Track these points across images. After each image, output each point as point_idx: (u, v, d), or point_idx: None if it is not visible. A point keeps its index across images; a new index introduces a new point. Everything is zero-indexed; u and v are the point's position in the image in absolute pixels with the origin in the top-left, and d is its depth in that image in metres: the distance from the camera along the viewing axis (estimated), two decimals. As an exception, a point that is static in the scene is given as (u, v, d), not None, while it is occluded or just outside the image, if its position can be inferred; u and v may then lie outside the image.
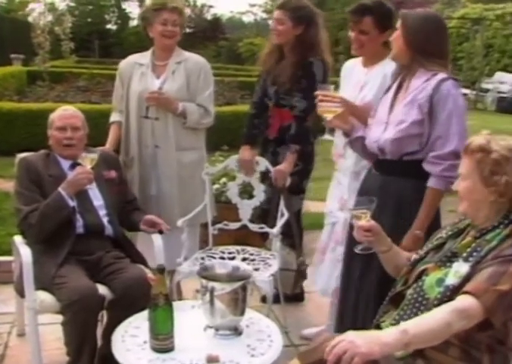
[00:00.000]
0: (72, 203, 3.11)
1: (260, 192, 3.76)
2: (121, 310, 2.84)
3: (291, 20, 3.66)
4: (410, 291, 2.22)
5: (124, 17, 35.04)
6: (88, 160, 3.11)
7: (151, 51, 3.85)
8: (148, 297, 2.91)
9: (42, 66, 14.23)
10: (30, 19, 15.92)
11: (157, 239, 3.31)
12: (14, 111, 8.18)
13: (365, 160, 3.01)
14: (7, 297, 3.97)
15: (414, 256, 2.36)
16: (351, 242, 2.65)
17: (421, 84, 2.62)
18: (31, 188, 3.18)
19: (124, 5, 35.34)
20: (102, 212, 3.28)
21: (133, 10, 37.20)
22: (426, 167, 2.61)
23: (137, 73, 3.80)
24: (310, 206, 4.83)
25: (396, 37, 2.70)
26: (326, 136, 3.41)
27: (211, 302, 2.41)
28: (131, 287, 2.93)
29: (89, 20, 31.40)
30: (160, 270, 2.33)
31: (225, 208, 4.35)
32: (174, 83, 3.73)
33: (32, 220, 3.07)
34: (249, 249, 3.75)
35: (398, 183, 2.70)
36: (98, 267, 3.12)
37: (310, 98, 3.08)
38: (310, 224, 4.56)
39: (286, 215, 3.58)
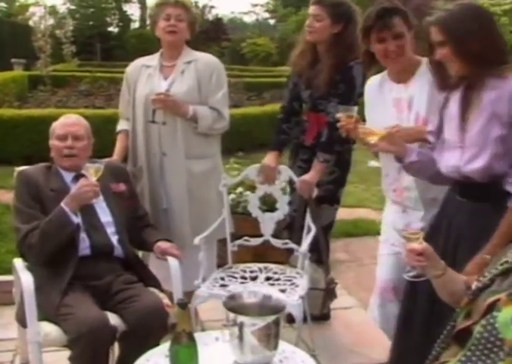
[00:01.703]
0: (76, 220, 2.79)
1: (283, 205, 3.43)
2: (135, 343, 2.57)
3: (329, 17, 3.36)
4: (478, 328, 1.88)
5: (125, 19, 34.79)
6: (93, 170, 2.79)
7: (160, 53, 3.55)
8: (165, 327, 2.65)
9: (44, 70, 14.01)
10: (31, 23, 15.76)
11: (173, 261, 2.98)
12: (15, 118, 7.86)
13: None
14: (8, 321, 3.62)
15: (476, 284, 2.03)
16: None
17: (495, 94, 2.25)
18: (31, 204, 2.86)
19: (125, 7, 35.14)
20: (111, 230, 2.96)
21: (134, 12, 37.09)
22: (508, 187, 2.26)
23: (144, 75, 3.49)
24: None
25: (445, 54, 2.29)
26: (372, 163, 2.98)
27: (240, 337, 2.10)
28: (146, 316, 2.62)
29: (91, 23, 31.11)
30: (182, 305, 2.01)
31: (242, 219, 4.05)
32: (183, 85, 3.41)
33: (33, 239, 2.76)
34: (272, 266, 3.42)
35: (490, 213, 2.31)
36: (108, 294, 2.80)
37: (348, 104, 2.91)
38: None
39: (313, 231, 3.25)
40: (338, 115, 2.56)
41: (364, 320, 3.74)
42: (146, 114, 3.41)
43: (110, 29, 33.50)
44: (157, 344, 2.48)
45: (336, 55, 3.37)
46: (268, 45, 27.06)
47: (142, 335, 2.60)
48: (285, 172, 3.44)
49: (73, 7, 32.44)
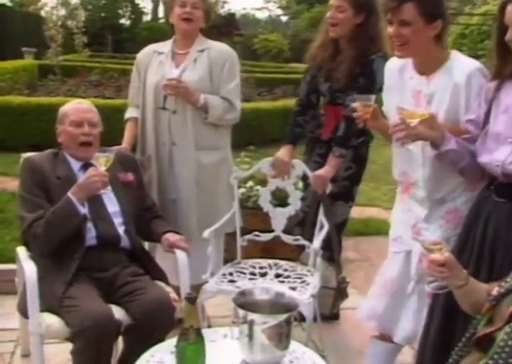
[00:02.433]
0: (83, 210, 2.69)
1: (296, 200, 3.33)
2: (141, 337, 2.49)
3: (352, 8, 3.28)
4: (502, 336, 1.78)
5: (138, 12, 34.60)
6: (103, 160, 2.70)
7: (173, 39, 3.44)
8: (172, 322, 2.56)
9: (54, 59, 13.93)
10: (43, 13, 15.69)
11: (181, 254, 2.89)
12: (24, 105, 7.77)
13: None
14: (10, 310, 3.52)
15: (497, 289, 1.93)
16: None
17: None
18: (36, 192, 2.77)
19: (137, 0, 34.92)
20: (118, 221, 2.86)
21: (147, 5, 36.93)
22: None
23: (155, 62, 3.39)
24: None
25: None
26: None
27: (250, 335, 2.01)
28: (153, 310, 2.53)
29: (103, 14, 30.98)
30: (191, 300, 1.91)
31: (251, 214, 3.95)
32: (195, 73, 3.30)
33: (38, 229, 2.66)
34: (282, 263, 3.32)
35: None
36: (114, 286, 2.71)
37: None
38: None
39: (326, 227, 3.15)
40: (355, 105, 2.46)
41: None
42: (156, 101, 3.31)
43: (122, 21, 33.35)
44: (162, 339, 2.39)
45: (358, 47, 3.28)
46: (280, 42, 26.91)
47: (148, 330, 2.51)
48: (299, 166, 3.34)
49: (85, -3, 32.29)
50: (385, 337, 2.86)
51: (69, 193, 2.67)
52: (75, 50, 18.12)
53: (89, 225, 2.76)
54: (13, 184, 5.47)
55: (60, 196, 2.71)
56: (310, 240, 3.28)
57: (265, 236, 3.37)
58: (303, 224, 3.50)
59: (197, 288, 3.05)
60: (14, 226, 4.66)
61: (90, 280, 2.67)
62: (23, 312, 2.68)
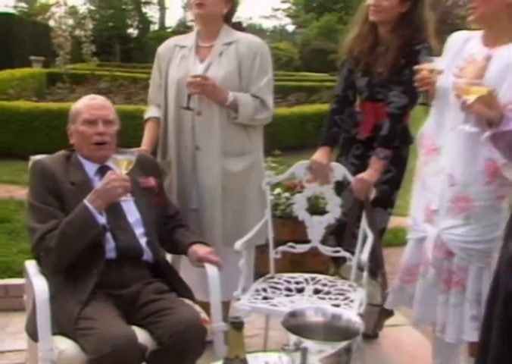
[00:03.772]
0: (102, 220, 2.37)
1: (335, 207, 2.99)
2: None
3: None
4: None
5: (145, 21, 34.51)
6: (124, 163, 2.39)
7: (196, 31, 3.10)
8: (203, 347, 2.24)
9: (63, 67, 13.74)
10: (51, 22, 15.58)
11: (212, 270, 2.55)
12: (33, 111, 7.50)
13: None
14: (17, 329, 3.26)
15: None
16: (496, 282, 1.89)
17: None
18: (48, 200, 2.45)
19: (145, 9, 34.83)
20: (139, 231, 2.54)
21: (154, 14, 36.68)
22: None
23: (177, 56, 3.05)
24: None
25: None
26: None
27: (303, 367, 1.68)
28: (182, 333, 2.21)
29: (110, 24, 30.91)
30: (237, 325, 1.58)
31: (280, 224, 3.64)
32: (221, 68, 2.96)
33: (51, 242, 2.34)
34: (320, 277, 2.99)
35: None
36: (135, 305, 2.38)
37: (413, 93, 2.84)
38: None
39: (371, 237, 2.82)
40: (419, 66, 2.28)
41: (416, 339, 3.41)
42: (179, 100, 2.98)
43: (130, 30, 33.30)
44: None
45: (402, 36, 2.98)
46: (290, 50, 26.69)
47: (176, 355, 2.21)
48: (338, 170, 3.00)
49: (92, 7, 32.21)
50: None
51: (85, 201, 2.36)
52: (83, 59, 18.01)
53: (107, 236, 2.44)
54: (21, 193, 5.26)
55: (74, 203, 2.39)
56: (349, 251, 2.96)
57: (301, 248, 3.03)
58: (337, 234, 3.16)
59: (225, 305, 2.73)
60: (21, 237, 4.42)
61: (108, 299, 2.35)
62: (32, 334, 2.35)
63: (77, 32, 18.10)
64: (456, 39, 2.57)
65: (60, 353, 2.20)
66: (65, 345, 2.22)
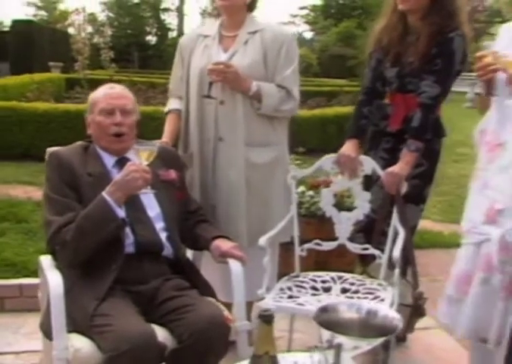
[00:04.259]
0: (121, 214, 2.25)
1: (363, 203, 2.85)
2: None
3: None
4: None
5: (163, 28, 34.57)
6: (145, 154, 2.27)
7: (220, 21, 2.99)
8: (226, 346, 2.10)
9: (81, 73, 13.73)
10: (71, 30, 15.63)
11: (236, 266, 2.42)
12: (50, 112, 7.42)
13: None
14: (32, 330, 3.14)
15: None
16: None
17: None
18: (65, 192, 2.34)
19: (163, 16, 34.90)
20: (159, 226, 2.42)
21: (172, 21, 36.70)
22: None
23: (200, 46, 2.94)
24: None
25: None
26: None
27: (337, 364, 1.55)
28: (204, 331, 2.08)
29: (129, 31, 31.04)
30: (267, 319, 1.45)
31: (304, 223, 3.49)
32: (245, 57, 2.84)
33: (67, 236, 2.22)
34: (348, 276, 2.85)
35: None
36: (154, 302, 2.26)
37: (445, 83, 2.79)
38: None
39: (402, 233, 2.67)
40: (482, 53, 2.13)
41: (448, 343, 3.26)
42: (201, 89, 2.86)
43: (148, 38, 33.37)
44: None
45: (434, 23, 2.84)
46: (309, 56, 26.55)
47: (197, 355, 2.08)
48: (368, 163, 2.86)
49: (111, 14, 32.35)
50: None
51: (104, 193, 2.24)
52: (101, 66, 18.05)
53: (126, 230, 2.32)
54: (38, 194, 5.15)
55: (92, 196, 2.28)
56: (378, 249, 2.82)
57: (328, 245, 2.89)
58: (366, 231, 3.01)
59: (247, 307, 2.59)
60: (38, 237, 4.32)
61: (126, 295, 2.23)
62: (47, 332, 2.23)
63: (96, 39, 18.17)
64: (508, 28, 2.43)
65: (75, 352, 2.08)
66: (81, 343, 2.10)
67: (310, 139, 7.96)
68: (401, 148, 2.90)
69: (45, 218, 2.35)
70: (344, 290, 2.71)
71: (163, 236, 2.41)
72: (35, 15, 35.20)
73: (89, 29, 18.17)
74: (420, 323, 3.26)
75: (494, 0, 27.75)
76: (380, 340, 1.58)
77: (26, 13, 35.39)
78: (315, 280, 2.80)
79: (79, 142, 2.56)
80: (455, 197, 6.68)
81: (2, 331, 3.32)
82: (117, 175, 2.32)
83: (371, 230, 2.93)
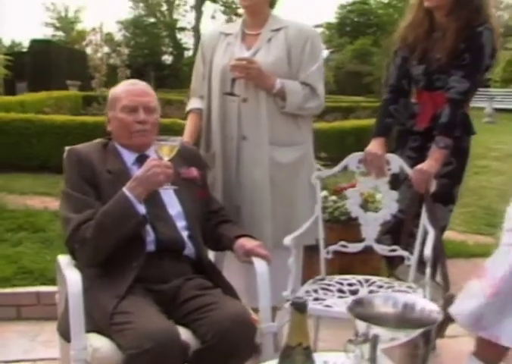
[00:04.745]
0: (142, 210, 2.17)
1: (391, 202, 2.74)
2: None
3: None
4: None
5: (180, 48, 34.73)
6: (167, 149, 2.19)
7: (242, 20, 2.93)
8: (252, 347, 2.01)
9: (98, 90, 13.76)
10: (88, 50, 15.72)
11: (261, 266, 2.32)
12: (68, 124, 7.39)
13: None
14: (48, 338, 3.10)
15: None
16: None
17: None
18: (84, 189, 2.26)
19: (179, 35, 35.05)
20: (180, 224, 2.34)
21: (188, 40, 36.80)
22: None
23: (222, 44, 2.88)
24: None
25: None
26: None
27: (373, 358, 1.44)
28: (228, 330, 1.98)
29: (145, 51, 31.25)
30: (300, 306, 1.35)
31: (327, 228, 3.37)
32: (269, 54, 2.77)
33: (87, 233, 2.14)
34: (375, 279, 2.74)
35: None
36: (176, 301, 2.17)
37: (474, 77, 2.74)
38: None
39: (432, 232, 2.57)
40: None
41: None
42: (223, 86, 2.79)
43: (165, 57, 33.57)
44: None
45: (461, 18, 2.76)
46: (325, 74, 26.63)
47: (222, 356, 1.98)
48: (395, 161, 2.76)
49: (128, 34, 32.60)
50: (483, 352, 2.34)
51: (124, 189, 2.17)
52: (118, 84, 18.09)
53: (147, 228, 2.24)
54: (55, 204, 5.15)
55: (111, 193, 2.21)
56: (406, 251, 2.72)
57: (354, 247, 2.79)
58: (393, 233, 2.91)
59: (272, 311, 2.48)
60: (55, 246, 4.28)
61: (147, 294, 2.15)
62: (65, 333, 2.15)
63: (112, 60, 18.28)
64: None
65: (94, 352, 1.99)
66: (100, 342, 2.02)
67: (328, 152, 7.89)
68: (428, 146, 2.81)
69: (63, 215, 2.27)
70: (372, 293, 2.60)
71: (184, 234, 2.32)
72: (53, 36, 35.57)
73: (106, 49, 18.26)
74: (448, 331, 3.16)
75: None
76: (419, 331, 1.48)
77: (45, 34, 35.79)
78: (341, 283, 2.70)
79: (97, 140, 2.49)
80: (477, 208, 6.60)
81: (19, 339, 3.27)
82: (137, 172, 2.25)
83: (398, 232, 2.83)
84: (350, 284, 2.69)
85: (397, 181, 2.88)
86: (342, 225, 3.51)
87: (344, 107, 13.86)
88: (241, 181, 2.81)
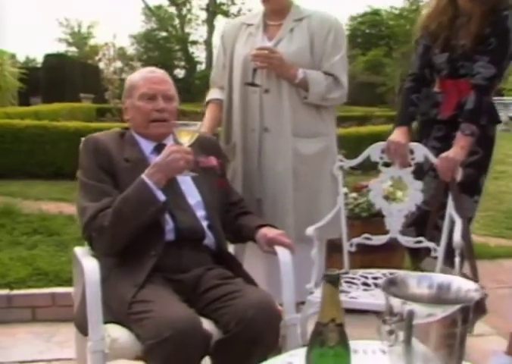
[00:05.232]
0: (162, 196, 2.10)
1: (415, 193, 2.65)
2: (236, 355, 1.89)
3: None
4: None
5: (192, 61, 34.81)
6: (187, 135, 2.12)
7: (263, 11, 2.87)
8: (277, 337, 1.93)
9: (112, 102, 13.78)
10: (101, 65, 15.80)
11: (284, 255, 2.23)
12: (82, 130, 7.36)
13: None
14: (65, 339, 3.05)
15: None
16: None
17: None
18: (101, 177, 2.20)
19: (192, 49, 35.10)
20: (200, 214, 2.26)
21: (201, 54, 36.87)
22: None
23: (244, 34, 2.83)
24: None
25: None
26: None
27: (408, 339, 1.35)
28: (252, 319, 1.90)
29: (158, 65, 31.32)
30: (333, 279, 1.27)
31: (348, 224, 3.31)
32: (292, 44, 2.72)
33: (105, 221, 2.07)
34: (400, 273, 2.64)
35: None
36: (197, 291, 2.10)
37: (501, 63, 2.65)
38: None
39: (459, 221, 2.48)
40: None
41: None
42: (245, 76, 2.73)
43: (177, 71, 33.61)
44: (264, 359, 1.75)
45: (486, 2, 2.68)
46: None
47: (245, 345, 1.89)
48: (419, 150, 2.68)
49: (140, 48, 32.76)
50: None
51: (143, 176, 2.10)
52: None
53: (166, 216, 2.17)
54: (69, 209, 5.17)
55: (129, 182, 2.13)
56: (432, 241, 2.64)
57: (378, 239, 2.70)
58: (417, 225, 2.82)
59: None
60: (70, 248, 4.17)
61: (166, 283, 2.07)
62: (81, 326, 2.08)
63: (124, 74, 18.37)
64: None
65: (112, 342, 1.92)
66: (118, 333, 1.94)
67: (345, 157, 7.83)
68: (453, 135, 2.71)
69: (79, 205, 2.20)
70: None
71: (204, 224, 2.25)
72: (66, 51, 35.84)
73: (119, 63, 18.35)
74: (477, 329, 3.05)
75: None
76: (457, 307, 1.39)
77: (58, 49, 36.08)
78: (366, 277, 2.62)
79: (114, 129, 2.43)
80: (497, 212, 6.57)
81: (34, 340, 3.22)
82: (156, 159, 2.18)
83: (423, 224, 2.73)
84: (375, 278, 2.60)
85: (421, 172, 2.79)
86: (363, 222, 3.43)
87: (358, 116, 13.81)
88: (263, 173, 2.75)
